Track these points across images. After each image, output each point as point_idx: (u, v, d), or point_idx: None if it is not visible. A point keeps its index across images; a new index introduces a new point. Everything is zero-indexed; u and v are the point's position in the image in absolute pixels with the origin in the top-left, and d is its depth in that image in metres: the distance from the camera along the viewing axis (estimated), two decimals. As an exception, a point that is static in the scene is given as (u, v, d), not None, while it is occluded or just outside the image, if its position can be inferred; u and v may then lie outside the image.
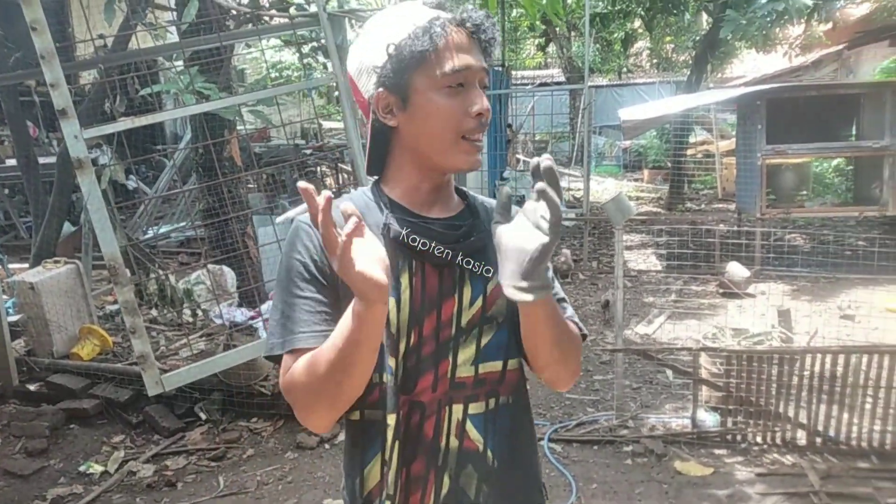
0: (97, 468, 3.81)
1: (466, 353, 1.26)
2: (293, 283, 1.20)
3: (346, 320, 1.10)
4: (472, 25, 1.21)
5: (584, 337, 1.42)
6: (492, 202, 1.38)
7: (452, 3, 1.26)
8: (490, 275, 1.27)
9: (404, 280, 1.22)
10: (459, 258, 1.25)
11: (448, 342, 1.25)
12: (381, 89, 1.22)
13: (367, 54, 1.24)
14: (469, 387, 1.26)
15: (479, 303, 1.26)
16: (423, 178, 1.27)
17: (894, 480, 3.37)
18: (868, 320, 4.91)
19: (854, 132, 8.29)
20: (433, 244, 1.23)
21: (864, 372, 3.60)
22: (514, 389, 1.32)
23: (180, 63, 4.10)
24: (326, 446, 3.97)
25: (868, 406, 3.62)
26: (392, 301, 1.19)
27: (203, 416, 4.23)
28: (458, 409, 1.26)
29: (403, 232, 1.22)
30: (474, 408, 1.27)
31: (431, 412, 1.24)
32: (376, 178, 1.32)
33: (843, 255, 6.65)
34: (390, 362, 1.21)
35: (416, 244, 1.22)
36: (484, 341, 1.27)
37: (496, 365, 1.28)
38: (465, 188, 1.40)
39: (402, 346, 1.22)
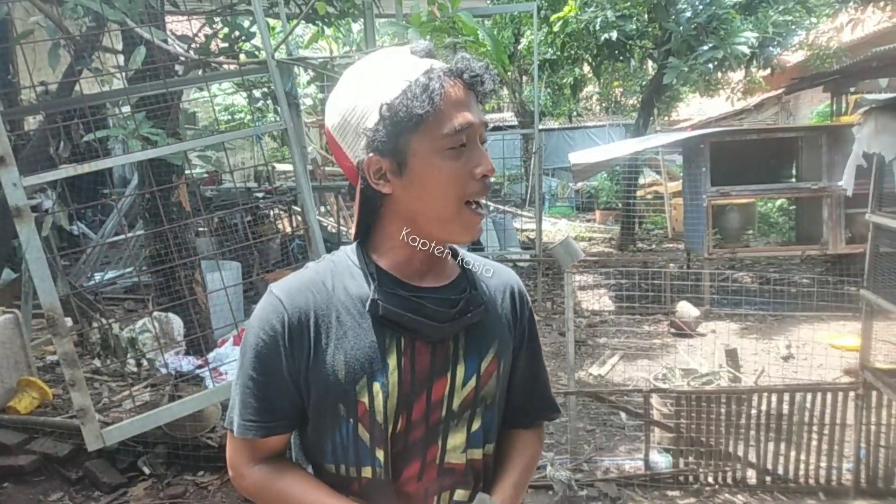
0: (32, 529, 3.63)
1: (457, 439, 1.18)
2: (250, 362, 1.15)
3: None
4: (470, 77, 1.10)
5: (556, 415, 1.40)
6: (486, 261, 1.32)
7: (442, 51, 1.19)
8: (487, 350, 1.20)
9: (392, 361, 1.12)
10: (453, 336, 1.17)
11: (438, 426, 1.16)
12: (371, 154, 1.10)
13: (353, 112, 1.10)
14: (459, 473, 1.19)
15: (472, 383, 1.17)
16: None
17: (841, 517, 3.42)
18: (813, 358, 5.04)
19: (794, 173, 8.60)
20: (426, 322, 1.13)
21: (808, 410, 3.67)
22: (491, 471, 1.27)
23: (127, 108, 4.05)
24: (276, 499, 3.85)
25: (814, 443, 3.69)
26: (377, 386, 1.11)
27: (147, 471, 4.07)
28: (445, 498, 1.19)
29: (392, 309, 1.11)
30: (461, 496, 1.20)
31: (417, 502, 1.17)
32: (358, 241, 1.21)
33: (789, 294, 6.83)
34: (378, 454, 1.13)
35: (406, 323, 1.12)
36: (474, 426, 1.19)
37: (479, 452, 1.21)
38: (456, 247, 1.28)
39: (388, 434, 1.13)
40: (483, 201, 1.14)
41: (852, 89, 8.82)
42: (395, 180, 1.11)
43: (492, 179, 1.13)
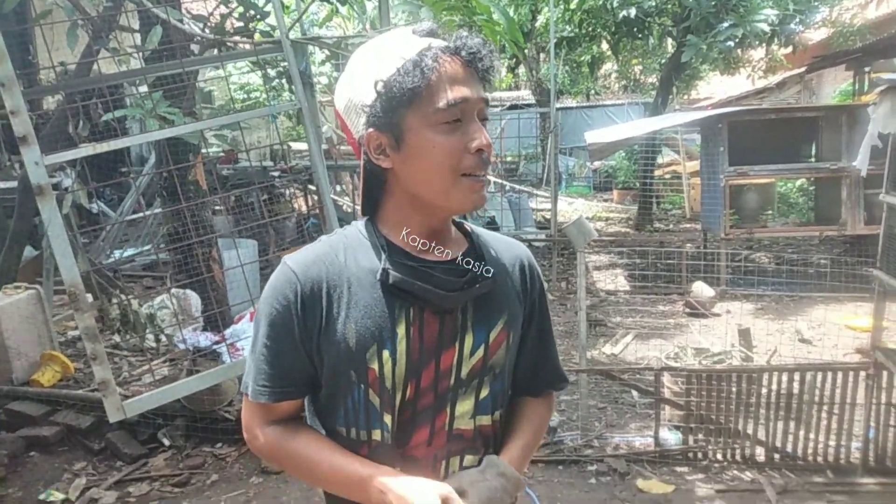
0: (58, 496, 3.74)
1: (465, 406, 1.22)
2: (265, 330, 1.19)
3: (354, 476, 1.14)
4: (468, 54, 1.12)
5: (564, 385, 1.42)
6: (497, 236, 1.36)
7: (445, 29, 1.17)
8: (496, 321, 1.23)
9: (401, 330, 1.16)
10: (462, 306, 1.20)
11: (446, 394, 1.20)
12: (371, 129, 1.14)
13: (355, 91, 1.16)
14: (468, 440, 1.23)
15: (480, 352, 1.21)
16: (422, 219, 1.20)
17: (848, 494, 3.45)
18: (828, 338, 5.03)
19: (814, 153, 8.51)
20: (435, 291, 1.16)
21: (818, 389, 3.68)
22: (499, 439, 1.30)
23: (144, 88, 4.11)
24: (291, 471, 3.94)
25: (823, 422, 3.70)
26: (386, 354, 1.15)
27: (166, 442, 4.18)
28: (454, 463, 1.22)
29: (402, 278, 1.15)
30: (470, 461, 1.23)
31: (426, 467, 1.19)
32: (368, 217, 1.25)
33: (805, 274, 6.80)
34: (386, 419, 1.17)
35: (415, 291, 1.15)
36: (483, 394, 1.23)
37: (488, 419, 1.25)
38: (466, 222, 1.33)
39: (397, 401, 1.17)
40: (482, 174, 1.16)
41: (867, 69, 8.68)
42: (394, 155, 1.15)
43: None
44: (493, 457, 1.22)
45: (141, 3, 3.54)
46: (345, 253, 1.20)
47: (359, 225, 1.25)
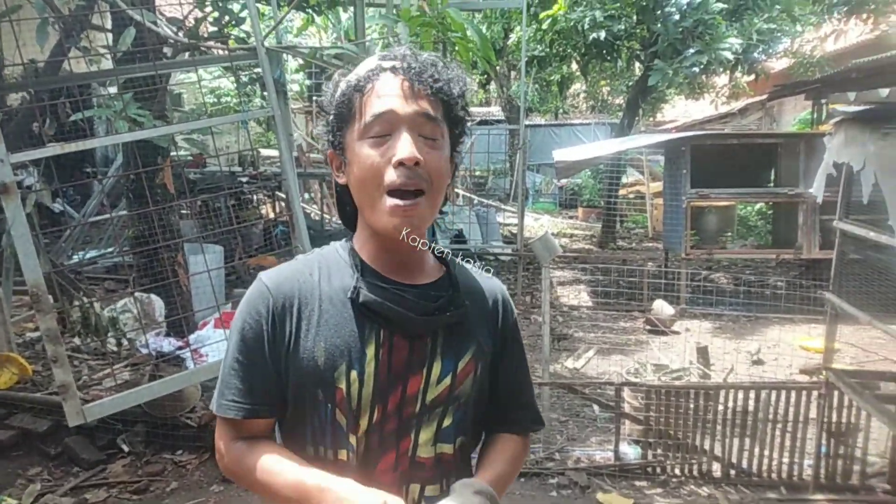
0: (11, 502, 3.66)
1: (427, 433, 1.20)
2: (237, 345, 1.18)
3: (303, 485, 1.10)
4: (406, 70, 1.13)
5: (538, 427, 1.40)
6: (475, 270, 1.35)
7: (410, 54, 1.16)
8: (465, 351, 1.21)
9: (370, 351, 1.15)
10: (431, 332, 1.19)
11: (411, 419, 1.19)
12: (329, 149, 1.21)
13: (324, 112, 1.23)
14: (428, 468, 1.21)
15: (447, 381, 1.19)
16: (379, 239, 1.19)
17: (800, 511, 3.55)
18: (783, 358, 5.18)
19: (773, 179, 8.76)
20: (405, 314, 1.16)
21: (773, 407, 3.79)
22: (463, 467, 1.28)
23: (114, 88, 4.07)
24: (252, 479, 3.91)
25: (777, 440, 3.81)
26: (354, 374, 1.14)
27: (126, 448, 4.11)
28: (414, 490, 1.21)
29: (373, 298, 1.15)
30: (430, 490, 1.21)
31: (393, 492, 1.15)
32: (349, 236, 1.28)
33: (762, 295, 6.98)
34: (351, 440, 1.16)
35: (386, 313, 1.15)
36: (445, 422, 1.21)
37: (450, 447, 1.23)
38: (445, 250, 1.32)
39: (363, 423, 1.16)
40: (408, 191, 1.11)
41: (823, 101, 8.98)
42: (345, 172, 1.20)
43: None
44: (464, 479, 1.20)
45: (115, 4, 3.51)
46: (319, 271, 1.21)
47: (337, 245, 1.27)
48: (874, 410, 3.26)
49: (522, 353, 1.38)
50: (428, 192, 1.13)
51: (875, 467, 3.83)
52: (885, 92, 2.61)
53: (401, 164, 1.09)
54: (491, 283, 1.34)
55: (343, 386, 1.14)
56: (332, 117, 1.18)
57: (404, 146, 1.09)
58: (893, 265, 3.49)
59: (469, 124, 1.27)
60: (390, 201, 1.11)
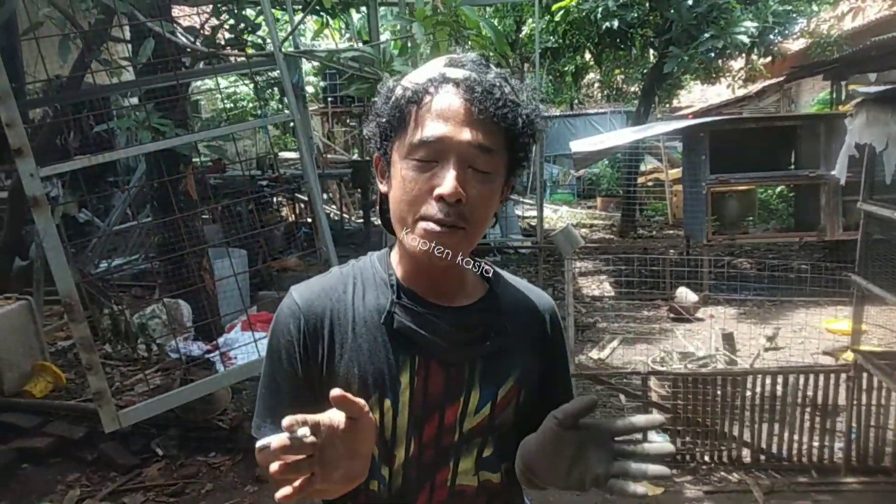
0: (51, 508, 3.75)
1: (467, 463, 1.14)
2: (270, 364, 1.14)
3: None
4: (466, 90, 1.01)
5: None
6: (522, 283, 1.25)
7: (478, 70, 1.05)
8: (507, 378, 1.14)
9: (404, 379, 1.09)
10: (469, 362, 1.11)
11: (449, 449, 1.12)
12: (376, 153, 1.13)
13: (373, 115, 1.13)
14: (469, 496, 1.15)
15: (486, 410, 1.13)
16: (414, 259, 1.09)
17: (832, 493, 3.55)
18: (810, 341, 5.15)
19: (793, 161, 8.68)
20: (440, 344, 1.09)
21: (801, 391, 3.78)
22: (514, 490, 1.21)
23: (135, 99, 4.14)
24: (285, 478, 3.97)
25: (807, 424, 3.80)
26: (388, 403, 1.09)
27: (160, 452, 4.19)
28: None
29: (407, 325, 1.08)
30: None
31: None
32: (390, 246, 1.20)
33: (786, 279, 6.93)
34: (384, 472, 1.11)
35: (419, 341, 1.08)
36: (486, 452, 1.15)
37: (497, 476, 1.17)
38: (492, 266, 1.21)
39: (399, 454, 1.11)
40: (441, 226, 1.02)
41: (843, 82, 8.88)
42: (387, 182, 1.11)
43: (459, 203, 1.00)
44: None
45: (133, 16, 3.58)
46: (353, 288, 1.14)
47: (374, 257, 1.19)
48: (905, 392, 3.24)
49: (568, 373, 1.31)
50: (467, 229, 1.03)
51: (907, 448, 3.81)
52: (906, 71, 2.59)
53: (441, 198, 1.00)
54: (539, 299, 1.25)
55: (376, 416, 1.08)
56: (382, 121, 1.08)
57: (449, 181, 0.99)
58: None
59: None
60: (424, 224, 1.02)
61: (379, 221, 1.28)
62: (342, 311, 1.12)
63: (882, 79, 2.90)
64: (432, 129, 1.00)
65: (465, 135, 1.00)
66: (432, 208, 1.00)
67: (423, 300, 1.11)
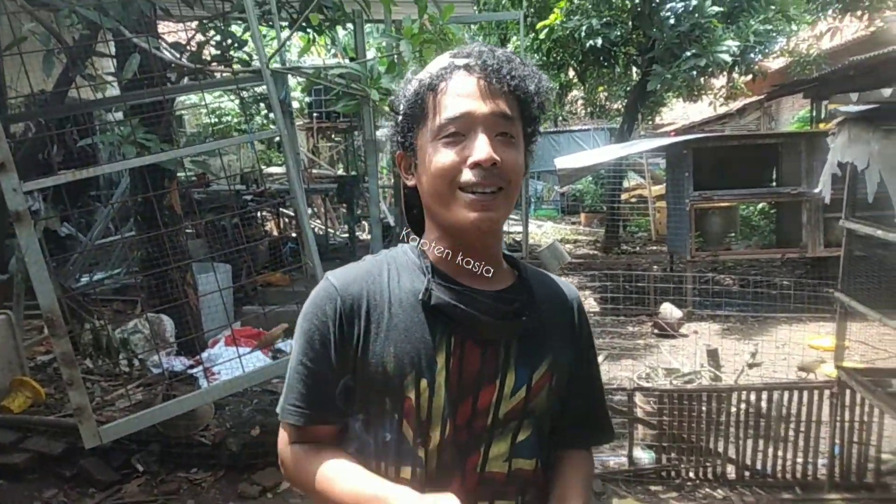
0: (28, 527, 3.68)
1: (500, 448, 1.13)
2: (302, 347, 1.14)
3: (361, 494, 1.06)
4: (481, 69, 1.09)
5: (611, 439, 1.35)
6: (549, 275, 1.29)
7: (482, 48, 1.13)
8: (541, 362, 1.15)
9: (440, 359, 1.09)
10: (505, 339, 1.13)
11: (482, 433, 1.12)
12: (398, 151, 1.18)
13: (395, 113, 1.19)
14: (499, 483, 1.14)
15: (522, 393, 1.13)
16: (450, 241, 1.14)
17: (816, 510, 3.55)
18: (792, 357, 5.18)
19: (774, 178, 8.78)
20: (479, 317, 1.10)
21: (785, 407, 3.80)
22: (542, 488, 1.20)
23: (120, 114, 4.11)
24: (269, 496, 3.93)
25: (791, 440, 3.82)
26: (424, 383, 1.09)
27: (140, 468, 4.13)
28: None
29: (446, 300, 1.10)
30: None
31: None
32: (418, 240, 1.23)
33: (769, 295, 6.99)
34: (419, 454, 1.10)
35: (458, 316, 1.10)
36: (521, 437, 1.15)
37: (530, 463, 1.17)
38: (515, 256, 1.27)
39: (434, 436, 1.10)
40: (483, 189, 1.08)
41: (824, 101, 9.04)
42: (415, 174, 1.16)
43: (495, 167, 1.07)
44: None
45: (118, 32, 3.56)
46: (388, 272, 1.16)
47: (406, 247, 1.22)
48: (888, 408, 3.27)
49: (596, 364, 1.32)
50: (505, 189, 1.10)
51: (889, 465, 3.84)
52: (887, 91, 2.64)
53: (477, 164, 1.06)
54: (567, 289, 1.28)
55: (412, 395, 1.09)
56: (401, 118, 1.15)
57: (482, 147, 1.06)
58: (900, 262, 3.51)
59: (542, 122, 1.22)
60: (466, 197, 1.07)
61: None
62: (378, 293, 1.13)
63: (863, 98, 2.95)
64: (455, 107, 1.07)
65: (487, 106, 1.07)
66: (471, 175, 1.06)
67: (457, 282, 1.14)
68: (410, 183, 1.18)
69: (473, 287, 1.14)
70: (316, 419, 1.14)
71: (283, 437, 1.20)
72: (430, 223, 1.19)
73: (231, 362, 4.05)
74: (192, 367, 4.65)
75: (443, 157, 1.08)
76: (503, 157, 1.08)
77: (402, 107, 1.14)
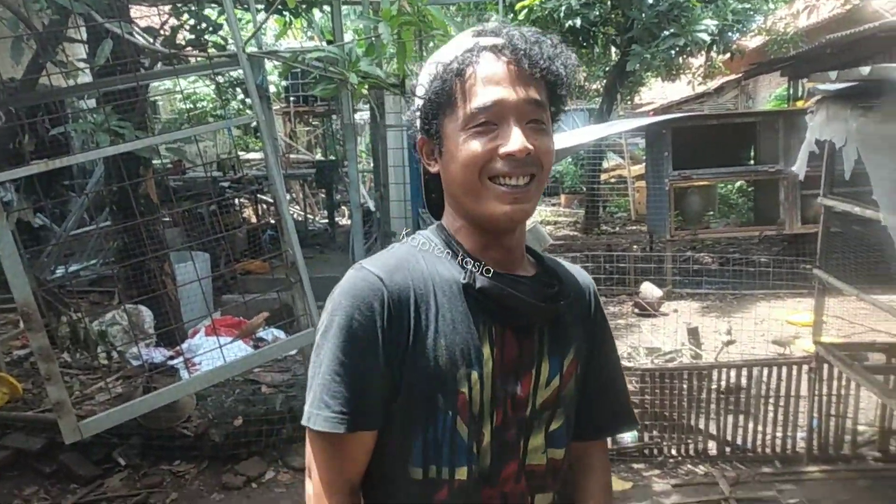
0: (9, 523, 3.64)
1: (537, 440, 1.11)
2: (342, 346, 1.02)
3: None
4: (512, 52, 1.04)
5: (634, 426, 1.36)
6: (564, 263, 1.27)
7: (506, 27, 1.08)
8: (568, 349, 1.14)
9: (486, 350, 1.05)
10: (540, 326, 1.11)
11: (521, 426, 1.09)
12: (420, 136, 1.13)
13: (417, 97, 1.13)
14: (539, 476, 1.12)
15: (556, 381, 1.11)
16: (474, 229, 1.10)
17: (795, 483, 3.63)
18: (771, 334, 5.25)
19: (752, 156, 8.85)
20: (527, 301, 1.07)
21: (765, 383, 3.85)
22: (568, 472, 1.21)
23: (93, 102, 4.03)
24: (254, 485, 3.91)
25: (770, 415, 3.88)
26: (475, 375, 1.04)
27: (122, 462, 4.09)
28: (541, 500, 1.13)
29: (493, 283, 1.05)
30: (541, 499, 1.13)
31: None
32: (439, 223, 1.17)
33: (748, 273, 7.05)
34: (474, 450, 1.05)
35: (506, 300, 1.06)
36: (553, 426, 1.13)
37: (561, 453, 1.15)
38: (534, 249, 1.23)
39: (486, 431, 1.06)
40: (514, 181, 1.04)
41: (801, 79, 9.10)
42: (440, 160, 1.11)
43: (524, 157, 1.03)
44: None
45: (90, 17, 3.48)
46: (424, 260, 1.10)
47: (427, 233, 1.15)
48: (864, 381, 3.32)
49: (615, 349, 1.30)
50: (538, 175, 1.06)
51: (865, 436, 3.91)
52: (866, 69, 2.64)
53: (510, 155, 1.02)
54: (581, 275, 1.27)
55: (465, 390, 1.04)
56: (425, 103, 1.09)
57: (516, 138, 1.02)
58: (877, 238, 3.55)
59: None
60: (498, 187, 1.03)
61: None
62: (422, 282, 1.06)
63: (842, 76, 2.95)
64: (486, 95, 1.02)
65: (519, 93, 1.03)
66: (503, 165, 1.03)
67: (491, 269, 1.10)
68: (433, 170, 1.13)
69: (511, 273, 1.11)
70: (361, 425, 1.03)
71: (317, 454, 1.06)
72: (453, 211, 1.14)
73: (212, 352, 4.01)
74: (172, 358, 4.61)
75: (473, 146, 1.03)
76: (535, 144, 1.04)
77: (425, 91, 1.09)
